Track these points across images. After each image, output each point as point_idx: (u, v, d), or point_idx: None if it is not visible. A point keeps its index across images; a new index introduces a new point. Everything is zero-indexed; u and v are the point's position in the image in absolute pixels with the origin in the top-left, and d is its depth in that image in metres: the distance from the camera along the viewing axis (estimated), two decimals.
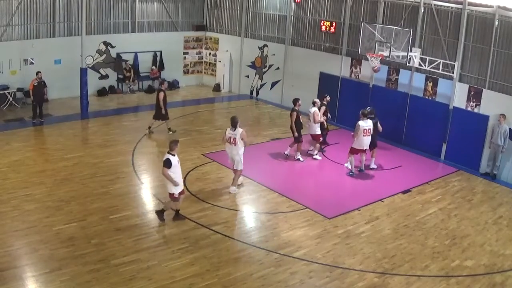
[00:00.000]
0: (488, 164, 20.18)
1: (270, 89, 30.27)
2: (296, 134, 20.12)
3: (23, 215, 14.42)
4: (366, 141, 18.85)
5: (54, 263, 12.09)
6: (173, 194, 14.35)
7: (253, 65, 31.19)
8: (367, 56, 21.93)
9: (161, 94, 22.55)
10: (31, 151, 19.79)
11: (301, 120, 20.26)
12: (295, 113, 20.00)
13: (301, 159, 20.40)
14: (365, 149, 19.20)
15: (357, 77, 25.35)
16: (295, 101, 20.27)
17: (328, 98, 22.26)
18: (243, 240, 13.95)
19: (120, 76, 30.27)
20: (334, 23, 26.22)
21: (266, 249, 13.51)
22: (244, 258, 13.05)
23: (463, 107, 21.12)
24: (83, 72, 25.12)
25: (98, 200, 15.79)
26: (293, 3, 28.30)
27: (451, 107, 21.46)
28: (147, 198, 16.62)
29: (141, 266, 12.30)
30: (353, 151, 19.14)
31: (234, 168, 17.11)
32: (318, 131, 20.55)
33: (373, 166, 19.99)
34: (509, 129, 19.20)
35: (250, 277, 12.19)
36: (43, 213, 14.60)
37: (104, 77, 29.71)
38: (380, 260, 13.33)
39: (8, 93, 25.29)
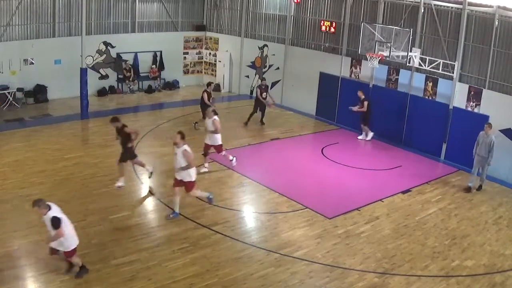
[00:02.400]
0: (478, 179, 18.91)
1: (270, 89, 30.22)
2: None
3: (23, 215, 14.41)
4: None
5: (54, 263, 12.08)
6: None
7: (253, 65, 31.19)
8: (367, 56, 21.95)
9: (205, 94, 23.57)
10: (31, 151, 19.79)
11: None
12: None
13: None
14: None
15: (357, 77, 25.35)
16: None
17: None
18: (243, 240, 13.95)
19: (120, 76, 30.25)
20: (334, 23, 26.22)
21: (266, 249, 13.51)
22: (244, 258, 13.05)
23: (463, 107, 21.13)
24: (83, 72, 25.11)
25: (98, 200, 15.80)
26: (293, 3, 28.30)
27: (451, 107, 21.47)
28: (147, 198, 16.59)
29: (141, 266, 12.31)
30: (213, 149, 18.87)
31: None
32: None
33: None
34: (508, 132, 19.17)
35: (250, 277, 12.19)
36: None
37: (104, 77, 29.70)
38: (380, 260, 13.33)
39: (8, 93, 25.28)
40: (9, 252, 12.54)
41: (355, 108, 23.11)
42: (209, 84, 24.20)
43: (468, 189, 18.55)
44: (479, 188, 18.79)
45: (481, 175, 18.81)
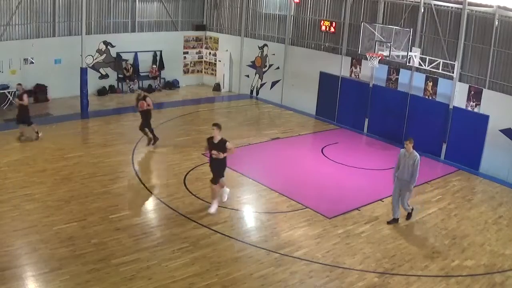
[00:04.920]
0: (397, 208, 15.51)
1: (270, 88, 30.26)
2: None
3: (23, 214, 14.42)
4: None
5: (54, 263, 12.09)
6: None
7: (253, 65, 31.18)
8: (367, 56, 21.96)
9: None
10: (31, 150, 19.77)
11: None
12: None
13: None
14: None
15: (357, 76, 25.35)
16: None
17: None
18: (243, 240, 13.94)
19: (120, 76, 30.26)
20: (334, 23, 26.22)
21: (266, 249, 13.50)
22: (244, 258, 13.04)
23: (463, 107, 21.12)
24: (83, 71, 25.10)
25: (98, 199, 15.78)
26: (293, 3, 28.30)
27: (451, 107, 21.47)
28: (147, 198, 16.59)
29: (141, 265, 12.29)
30: None
31: None
32: None
33: None
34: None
35: (250, 276, 12.18)
36: (43, 213, 14.59)
37: (104, 76, 29.70)
38: (380, 260, 13.33)
39: (8, 92, 25.27)
40: (9, 252, 12.51)
41: (221, 156, 14.90)
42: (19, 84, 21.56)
43: (394, 221, 15.49)
44: (408, 216, 15.78)
45: (402, 203, 15.39)
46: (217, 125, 15.06)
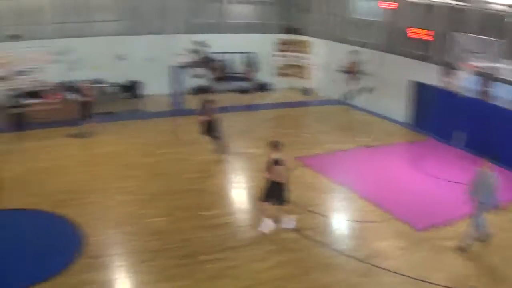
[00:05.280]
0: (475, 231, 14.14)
1: (362, 95, 29.80)
2: None
3: (115, 206, 14.96)
4: None
5: (144, 255, 12.39)
6: None
7: (344, 70, 30.80)
8: (460, 66, 21.35)
9: None
10: (124, 144, 20.41)
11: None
12: None
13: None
14: None
15: (451, 87, 24.53)
16: None
17: None
18: (331, 247, 13.66)
19: (213, 76, 30.61)
20: (428, 31, 25.51)
21: (355, 257, 13.18)
22: (332, 265, 12.78)
23: None
24: (177, 70, 25.59)
25: (188, 196, 16.02)
26: (387, 9, 27.79)
27: None
28: (238, 197, 16.70)
29: (227, 264, 12.34)
30: None
31: None
32: None
33: None
34: None
35: (338, 284, 11.90)
36: (135, 206, 15.04)
37: (197, 76, 30.11)
38: (468, 278, 12.59)
39: (103, 87, 26.09)
40: (101, 241, 12.96)
41: (267, 175, 14.07)
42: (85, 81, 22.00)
43: (481, 239, 14.25)
44: (462, 249, 14.04)
45: (477, 225, 14.12)
46: (272, 144, 14.18)
